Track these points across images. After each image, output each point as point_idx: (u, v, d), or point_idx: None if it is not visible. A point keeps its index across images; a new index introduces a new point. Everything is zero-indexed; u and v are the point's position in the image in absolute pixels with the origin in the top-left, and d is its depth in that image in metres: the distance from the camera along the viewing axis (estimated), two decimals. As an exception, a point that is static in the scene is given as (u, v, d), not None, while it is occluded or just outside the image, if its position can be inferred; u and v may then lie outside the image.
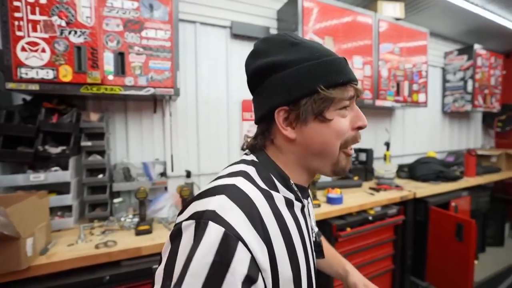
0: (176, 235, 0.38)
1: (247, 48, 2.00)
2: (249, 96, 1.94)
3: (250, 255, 0.36)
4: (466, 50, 3.00)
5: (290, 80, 0.47)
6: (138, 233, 1.21)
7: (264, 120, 0.52)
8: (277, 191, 0.48)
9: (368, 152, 2.28)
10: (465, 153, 2.54)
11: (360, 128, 0.50)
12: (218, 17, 1.86)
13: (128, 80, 1.35)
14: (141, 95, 1.39)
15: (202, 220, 0.36)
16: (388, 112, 2.76)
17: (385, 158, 2.49)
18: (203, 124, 1.88)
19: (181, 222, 0.39)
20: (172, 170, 1.64)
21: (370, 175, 2.33)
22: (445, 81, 3.22)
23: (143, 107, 1.70)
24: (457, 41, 3.30)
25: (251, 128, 2.01)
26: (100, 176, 1.44)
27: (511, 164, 2.96)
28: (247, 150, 0.56)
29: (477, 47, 2.96)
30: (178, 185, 1.33)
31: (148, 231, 1.23)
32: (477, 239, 2.81)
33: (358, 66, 2.02)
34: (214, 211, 0.37)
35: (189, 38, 1.81)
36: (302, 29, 1.78)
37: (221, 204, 0.38)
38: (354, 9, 2.01)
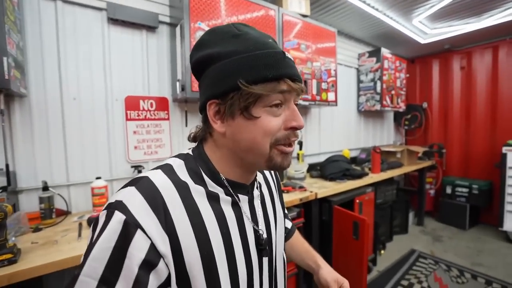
0: (94, 225, 0.43)
1: (131, 36, 1.72)
2: (135, 93, 1.67)
3: (149, 241, 0.40)
4: (375, 52, 3.19)
5: (219, 73, 0.47)
6: None
7: (202, 112, 0.53)
8: (204, 185, 0.50)
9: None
10: (371, 151, 2.67)
11: (294, 128, 0.49)
12: (88, -4, 1.54)
13: None
14: None
15: (110, 209, 0.41)
16: (302, 110, 2.75)
17: (298, 157, 2.47)
18: (73, 125, 1.55)
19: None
20: (9, 184, 1.28)
21: (281, 176, 2.27)
22: (359, 81, 3.39)
23: (-24, 104, 1.30)
24: (369, 44, 3.50)
25: (138, 129, 1.75)
26: None
27: (412, 159, 3.25)
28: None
29: (384, 50, 3.17)
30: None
31: (12, 261, 0.90)
32: (385, 230, 3.03)
33: (259, 62, 1.90)
34: (120, 201, 0.41)
35: (47, 18, 1.46)
36: (189, 20, 1.58)
37: (128, 195, 0.42)
38: (256, 1, 1.88)
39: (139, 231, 0.40)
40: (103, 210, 0.42)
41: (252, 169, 0.55)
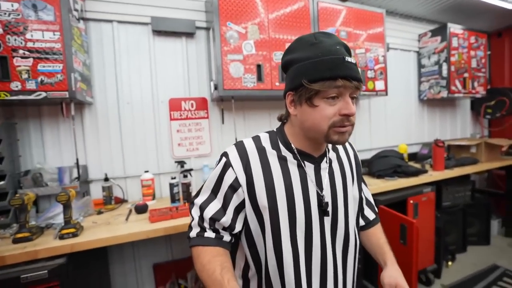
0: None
1: (172, 44, 1.91)
2: (177, 95, 1.86)
3: (235, 175, 0.68)
4: (439, 30, 2.72)
5: (294, 73, 0.65)
6: (15, 241, 1.17)
7: (285, 100, 0.72)
8: (278, 149, 0.71)
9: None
10: (432, 145, 2.30)
11: (345, 115, 0.62)
12: (136, 14, 1.78)
13: (15, 85, 1.31)
14: (32, 99, 1.34)
15: (222, 155, 0.72)
16: (348, 103, 2.56)
17: (341, 153, 2.32)
18: (127, 126, 1.82)
19: None
20: (80, 175, 1.59)
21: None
22: (420, 66, 2.95)
23: (60, 112, 1.66)
24: (433, 22, 3.01)
25: (180, 127, 1.93)
26: (1, 183, 1.42)
27: (493, 155, 2.66)
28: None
29: (451, 26, 2.68)
30: (59, 192, 1.27)
31: (28, 239, 1.18)
32: (455, 239, 2.58)
33: (291, 56, 1.86)
34: (226, 152, 0.71)
35: (106, 38, 1.75)
36: (219, 22, 1.66)
37: (231, 149, 0.72)
38: (287, -6, 1.85)
39: (230, 169, 0.69)
40: (221, 155, 0.73)
41: (316, 143, 0.71)
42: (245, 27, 1.73)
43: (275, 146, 0.72)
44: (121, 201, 1.74)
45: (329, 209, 0.71)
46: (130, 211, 1.55)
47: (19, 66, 1.31)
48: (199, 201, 0.73)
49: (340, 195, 0.74)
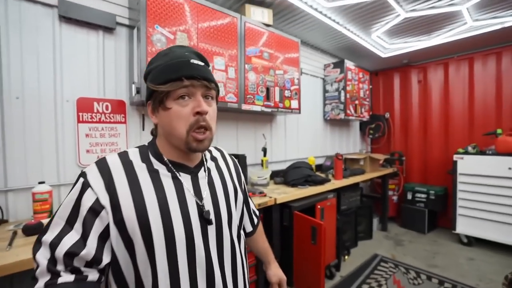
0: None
1: (86, 36, 1.67)
2: (88, 94, 1.61)
3: (96, 196, 0.58)
4: (339, 64, 3.35)
5: (149, 82, 0.66)
6: None
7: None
8: (149, 163, 0.66)
9: (240, 157, 2.21)
10: (334, 158, 2.75)
11: (198, 113, 0.63)
12: (38, -8, 1.49)
13: None
14: None
15: (79, 176, 0.62)
16: (268, 117, 2.80)
17: (262, 164, 2.49)
18: (15, 126, 1.45)
19: None
20: None
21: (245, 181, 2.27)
22: (325, 90, 3.52)
23: None
24: (334, 56, 3.68)
25: (91, 132, 1.68)
26: None
27: (374, 166, 3.40)
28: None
29: (347, 62, 3.34)
30: None
31: None
32: (350, 236, 3.10)
33: (219, 67, 1.93)
34: (84, 172, 0.62)
35: (-11, 13, 1.38)
36: (146, 22, 1.57)
37: (90, 168, 0.62)
38: (219, 8, 1.92)
39: (89, 189, 0.59)
40: (78, 176, 0.62)
41: (184, 151, 0.68)
42: (173, 33, 1.69)
43: (145, 159, 0.66)
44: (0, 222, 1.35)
45: (212, 217, 0.68)
46: (15, 233, 1.22)
47: None
48: (48, 238, 0.56)
49: (222, 203, 0.73)
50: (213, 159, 0.81)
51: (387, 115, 4.22)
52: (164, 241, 0.60)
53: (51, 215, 1.38)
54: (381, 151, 4.30)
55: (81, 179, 0.60)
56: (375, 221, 3.71)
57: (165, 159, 0.68)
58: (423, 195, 3.63)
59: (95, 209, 0.57)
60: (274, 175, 2.54)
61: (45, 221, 1.35)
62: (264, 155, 2.47)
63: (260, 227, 1.02)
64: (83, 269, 0.56)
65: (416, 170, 4.02)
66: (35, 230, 1.22)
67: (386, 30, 2.84)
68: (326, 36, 2.98)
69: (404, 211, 3.82)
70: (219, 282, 0.67)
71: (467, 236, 3.18)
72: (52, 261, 0.54)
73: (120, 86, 1.81)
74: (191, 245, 0.63)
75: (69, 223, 0.57)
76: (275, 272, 0.97)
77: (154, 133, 0.74)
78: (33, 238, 1.18)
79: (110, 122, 1.75)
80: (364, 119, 3.81)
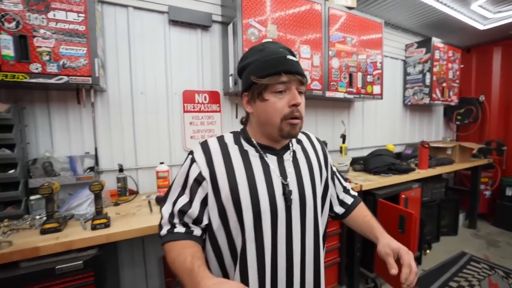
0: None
1: (188, 36, 1.89)
2: (191, 87, 1.84)
3: (199, 169, 0.72)
4: (425, 43, 3.01)
5: (246, 75, 0.73)
6: (44, 231, 1.11)
7: (243, 102, 0.78)
8: (240, 144, 0.76)
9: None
10: (419, 146, 2.56)
11: (294, 105, 0.69)
12: (154, 1, 1.74)
13: (35, 67, 1.23)
14: (53, 83, 1.27)
15: (189, 154, 0.76)
16: (346, 104, 2.73)
17: (341, 150, 2.48)
18: (140, 116, 1.77)
19: None
20: (97, 165, 1.53)
21: (323, 168, 2.30)
22: (406, 73, 3.23)
23: (69, 98, 1.57)
24: (418, 34, 3.31)
25: (193, 120, 1.92)
26: (12, 171, 1.32)
27: (464, 156, 3.02)
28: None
29: (435, 40, 2.98)
30: (92, 181, 1.23)
31: (56, 229, 1.13)
32: (431, 230, 2.89)
33: (306, 56, 1.95)
34: (192, 151, 0.76)
35: (121, 23, 1.69)
36: (241, 18, 1.69)
37: (196, 148, 0.76)
38: (303, -4, 1.93)
39: (195, 164, 0.73)
40: (188, 154, 0.77)
41: (274, 137, 0.74)
42: (264, 25, 1.78)
43: (237, 142, 0.77)
44: (134, 193, 1.70)
45: (295, 197, 0.74)
46: (150, 202, 1.53)
47: (40, 47, 1.23)
48: (170, 199, 0.75)
49: (307, 184, 0.77)
50: (298, 142, 0.85)
51: (482, 98, 3.65)
52: (252, 212, 0.69)
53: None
54: (470, 139, 3.77)
55: (190, 156, 0.75)
56: (461, 217, 3.34)
57: (254, 141, 0.76)
58: (528, 192, 3.09)
59: (198, 180, 0.72)
60: (353, 162, 2.50)
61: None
62: (343, 142, 2.45)
63: (360, 204, 0.95)
64: (190, 225, 0.73)
65: (518, 162, 3.43)
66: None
67: (492, -3, 2.42)
68: (411, 13, 2.70)
69: (499, 208, 3.33)
70: (297, 256, 0.74)
71: None
72: (172, 215, 0.73)
73: (215, 78, 2.01)
74: (274, 219, 0.71)
75: (183, 188, 0.74)
76: (384, 242, 0.75)
77: (244, 121, 0.83)
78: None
79: (208, 111, 1.98)
80: (452, 104, 3.38)
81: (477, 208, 3.34)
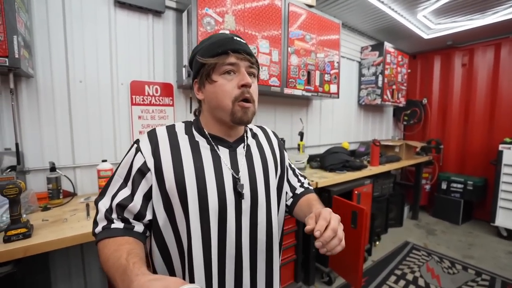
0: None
1: (138, 20, 1.72)
2: (140, 77, 1.67)
3: (143, 159, 0.66)
4: (378, 46, 3.19)
5: (195, 62, 0.71)
6: None
7: (193, 91, 0.75)
8: (191, 135, 0.71)
9: (279, 142, 2.23)
10: (371, 144, 2.70)
11: (243, 86, 0.66)
12: (96, -23, 1.53)
13: None
14: (-46, 63, 1.03)
15: (133, 143, 0.70)
16: (304, 102, 2.77)
17: (298, 148, 2.50)
18: (79, 108, 1.56)
19: None
20: (20, 163, 1.30)
21: (282, 165, 2.30)
22: (361, 74, 3.40)
23: (-16, 83, 1.30)
24: (372, 38, 3.50)
25: (143, 114, 1.76)
26: None
27: (410, 154, 3.30)
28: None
29: (387, 44, 3.18)
30: (5, 184, 1.02)
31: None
32: (381, 222, 3.10)
33: (264, 51, 1.91)
34: (138, 139, 0.70)
35: (54, 0, 1.45)
36: (197, 6, 1.57)
37: (142, 136, 0.70)
38: (263, -11, 1.88)
39: (139, 153, 0.67)
40: (133, 142, 0.70)
41: (227, 124, 0.71)
42: (222, 15, 1.69)
43: (188, 132, 0.72)
44: (70, 195, 1.49)
45: (246, 191, 0.70)
46: (88, 205, 1.34)
47: None
48: (109, 192, 0.67)
49: (260, 179, 0.74)
50: (254, 136, 0.82)
51: (425, 100, 4.02)
52: (198, 207, 0.64)
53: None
54: (415, 138, 4.15)
55: (135, 145, 0.69)
56: (406, 209, 3.65)
57: (206, 132, 0.72)
58: (460, 185, 3.50)
59: (142, 171, 0.66)
60: (310, 159, 2.55)
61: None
62: (301, 140, 2.48)
63: (308, 195, 0.87)
64: (132, 221, 0.65)
65: (452, 159, 3.86)
66: (105, 203, 1.34)
67: (435, 8, 2.64)
68: (366, 16, 2.83)
69: (437, 200, 3.72)
70: (246, 255, 0.69)
71: (507, 229, 3.07)
72: (109, 210, 0.65)
73: (168, 70, 1.86)
74: (223, 215, 0.66)
75: (125, 180, 0.67)
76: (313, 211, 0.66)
77: (196, 112, 0.79)
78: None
79: (159, 105, 1.83)
80: (401, 105, 3.66)
81: (419, 200, 3.68)
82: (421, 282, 2.27)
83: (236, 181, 0.69)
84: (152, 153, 0.66)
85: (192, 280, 0.63)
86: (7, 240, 0.94)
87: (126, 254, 0.54)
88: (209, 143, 0.71)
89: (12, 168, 1.32)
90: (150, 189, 0.66)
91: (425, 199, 3.91)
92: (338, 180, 2.17)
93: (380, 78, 3.17)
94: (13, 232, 0.96)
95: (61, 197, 1.41)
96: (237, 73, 0.67)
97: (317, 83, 2.33)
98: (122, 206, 0.64)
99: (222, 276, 0.67)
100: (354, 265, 1.90)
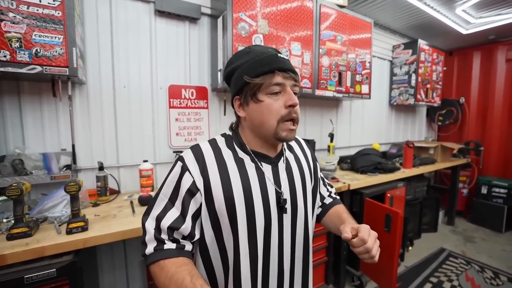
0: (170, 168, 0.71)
1: (175, 28, 1.80)
2: (177, 82, 1.75)
3: (192, 179, 0.65)
4: (411, 44, 3.06)
5: (237, 78, 0.69)
6: (11, 237, 1.01)
7: (233, 108, 0.74)
8: (234, 151, 0.71)
9: (310, 143, 2.23)
10: (403, 145, 2.60)
11: (291, 106, 0.66)
12: (139, -11, 1.63)
13: (2, 54, 1.11)
14: (24, 73, 1.15)
15: (177, 160, 0.70)
16: (334, 103, 2.74)
17: (328, 149, 2.48)
18: (123, 111, 1.67)
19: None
20: (75, 162, 1.43)
21: (312, 167, 2.29)
22: (392, 74, 3.28)
23: (44, 90, 1.45)
24: (405, 35, 3.37)
25: (179, 116, 1.84)
26: (-26, 170, 1.20)
27: (445, 156, 3.13)
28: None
29: (421, 42, 3.04)
30: (68, 181, 1.13)
31: (26, 234, 1.03)
32: (413, 227, 2.97)
33: (296, 53, 1.92)
34: (182, 156, 0.69)
35: (103, 11, 1.57)
36: (232, 11, 1.62)
37: (186, 153, 0.69)
38: (294, -8, 1.89)
39: (187, 172, 0.66)
40: (176, 160, 0.71)
41: (269, 143, 0.72)
42: (255, 20, 1.72)
43: (231, 148, 0.72)
44: (115, 193, 1.61)
45: (288, 205, 0.72)
46: (132, 203, 1.44)
47: (9, 32, 1.11)
48: (154, 212, 0.67)
49: (300, 192, 0.76)
50: (290, 148, 0.83)
51: (462, 99, 3.78)
52: (246, 224, 0.66)
53: (153, 189, 1.59)
54: (450, 139, 3.92)
55: (180, 163, 0.68)
56: (441, 214, 3.47)
57: (249, 149, 0.72)
58: (503, 190, 3.25)
59: (192, 191, 0.65)
60: (340, 161, 2.51)
61: (153, 194, 1.56)
62: (331, 141, 2.45)
63: (338, 204, 0.90)
64: (181, 240, 0.66)
65: (494, 162, 3.59)
66: (148, 201, 1.42)
67: (476, 2, 2.48)
68: (399, 14, 2.73)
69: (476, 206, 3.49)
70: (287, 263, 0.73)
71: (558, 239, 2.81)
72: (158, 230, 0.65)
73: (203, 74, 1.94)
74: (268, 229, 0.68)
75: (171, 200, 0.67)
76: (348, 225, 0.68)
77: (234, 127, 0.77)
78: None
79: (195, 108, 1.90)
80: (435, 105, 3.48)
81: (456, 205, 3.48)
82: (460, 292, 2.15)
83: (279, 195, 0.71)
84: (200, 172, 0.66)
85: None
86: (69, 232, 1.05)
87: (189, 276, 0.57)
88: (253, 160, 0.71)
89: (68, 167, 1.45)
90: (199, 209, 0.67)
91: (462, 204, 3.68)
92: (370, 182, 2.12)
93: (413, 77, 3.04)
94: (74, 225, 1.06)
95: (108, 194, 1.53)
96: (283, 92, 0.66)
97: (348, 84, 2.30)
98: (172, 228, 0.64)
99: (266, 285, 0.70)
100: (387, 269, 1.85)
